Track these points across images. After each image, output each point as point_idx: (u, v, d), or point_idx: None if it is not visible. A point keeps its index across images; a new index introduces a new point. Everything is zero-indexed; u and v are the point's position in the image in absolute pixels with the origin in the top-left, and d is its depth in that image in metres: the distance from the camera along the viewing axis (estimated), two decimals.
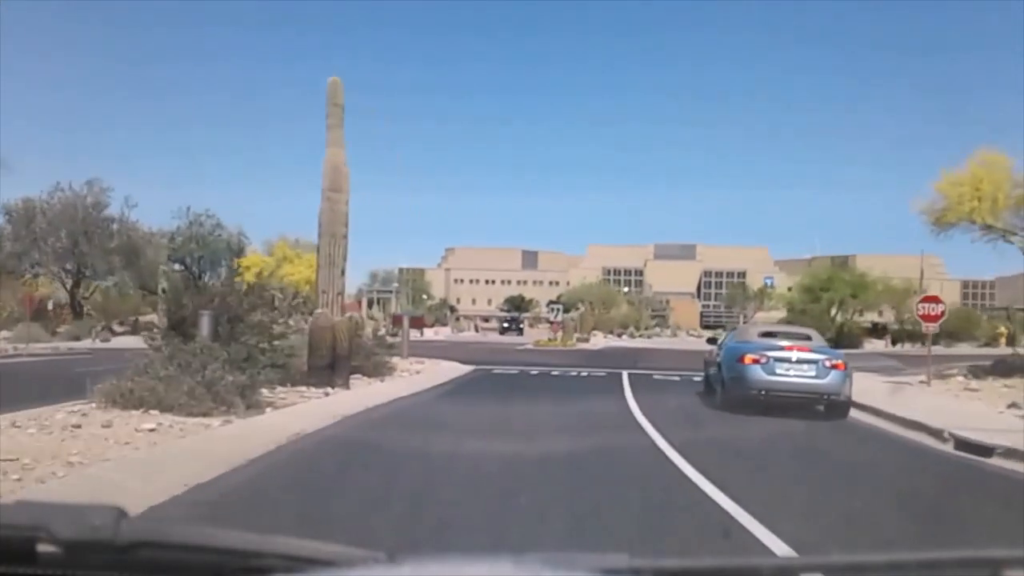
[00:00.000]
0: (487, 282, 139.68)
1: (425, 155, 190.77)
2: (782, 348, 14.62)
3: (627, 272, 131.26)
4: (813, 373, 14.21)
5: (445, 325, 71.79)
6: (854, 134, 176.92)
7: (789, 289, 48.64)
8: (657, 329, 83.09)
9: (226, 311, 12.93)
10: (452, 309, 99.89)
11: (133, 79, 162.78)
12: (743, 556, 4.58)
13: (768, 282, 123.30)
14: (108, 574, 1.14)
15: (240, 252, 56.65)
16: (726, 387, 14.86)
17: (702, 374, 18.43)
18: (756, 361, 14.45)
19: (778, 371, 14.29)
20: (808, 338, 15.79)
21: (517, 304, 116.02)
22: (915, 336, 54.93)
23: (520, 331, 63.76)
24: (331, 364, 14.09)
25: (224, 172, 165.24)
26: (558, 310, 43.39)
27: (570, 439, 9.80)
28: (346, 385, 14.23)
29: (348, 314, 18.17)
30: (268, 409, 10.62)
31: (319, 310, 14.83)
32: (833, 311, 40.93)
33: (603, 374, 21.45)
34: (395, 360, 21.61)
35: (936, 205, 20.67)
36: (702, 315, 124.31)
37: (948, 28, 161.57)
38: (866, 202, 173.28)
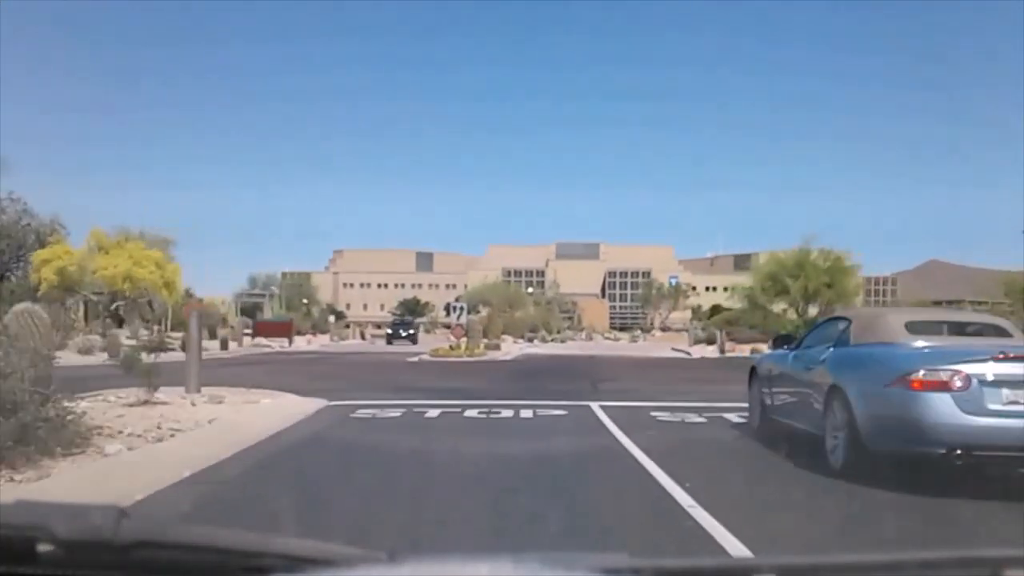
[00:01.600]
0: (379, 286, 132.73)
1: (312, 153, 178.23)
2: (987, 356, 6.75)
3: (528, 273, 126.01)
4: None
5: (326, 332, 60.90)
6: (754, 133, 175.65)
7: (729, 288, 40.44)
8: (569, 332, 74.49)
9: None
10: (338, 315, 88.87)
11: None
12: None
13: (672, 281, 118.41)
14: (108, 574, 1.11)
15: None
16: (867, 438, 7.00)
17: (739, 403, 10.67)
18: (942, 386, 6.63)
19: (990, 405, 6.58)
20: (1005, 332, 8.21)
21: (412, 308, 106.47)
22: None
23: (413, 338, 51.78)
24: None
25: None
26: (461, 310, 33.48)
27: None
28: None
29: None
30: None
31: None
32: (801, 305, 32.80)
33: (560, 413, 11.63)
34: (161, 398, 11.24)
35: None
36: (611, 315, 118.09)
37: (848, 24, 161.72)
38: (765, 201, 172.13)
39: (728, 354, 36.46)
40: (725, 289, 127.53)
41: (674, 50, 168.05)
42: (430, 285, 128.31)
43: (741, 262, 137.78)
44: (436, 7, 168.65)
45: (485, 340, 39.75)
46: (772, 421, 9.44)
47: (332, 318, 76.19)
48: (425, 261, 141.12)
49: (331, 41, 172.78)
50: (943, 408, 6.61)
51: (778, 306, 33.69)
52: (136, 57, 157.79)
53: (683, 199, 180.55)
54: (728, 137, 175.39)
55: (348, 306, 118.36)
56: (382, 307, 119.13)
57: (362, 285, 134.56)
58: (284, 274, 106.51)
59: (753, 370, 10.38)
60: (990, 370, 6.68)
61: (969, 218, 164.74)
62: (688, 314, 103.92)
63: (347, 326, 74.90)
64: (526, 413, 11.54)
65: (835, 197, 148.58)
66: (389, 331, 53.66)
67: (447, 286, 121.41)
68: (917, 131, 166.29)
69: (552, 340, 61.89)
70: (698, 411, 11.83)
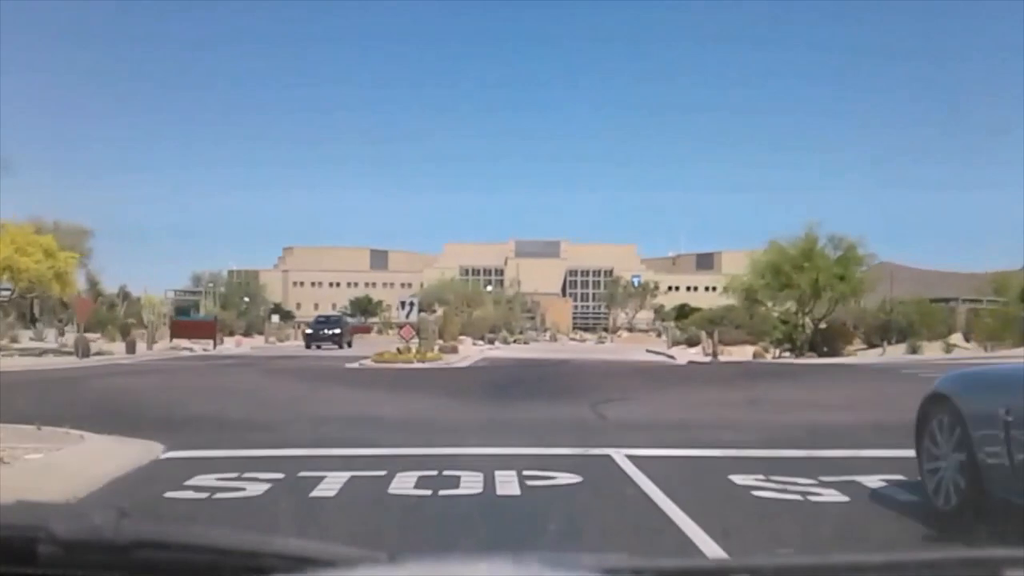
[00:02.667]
0: (331, 284, 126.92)
1: (263, 146, 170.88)
2: None
3: (487, 271, 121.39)
4: None
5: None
6: (714, 133, 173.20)
7: (721, 285, 35.87)
8: (532, 332, 69.60)
9: None
10: (285, 314, 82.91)
11: None
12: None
13: (635, 281, 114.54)
14: (108, 574, 1.11)
15: None
16: None
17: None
18: None
19: None
20: None
21: (364, 307, 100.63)
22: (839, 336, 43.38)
23: (339, 340, 39.91)
24: None
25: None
26: (412, 306, 28.24)
27: None
28: None
29: None
30: None
31: None
32: (806, 302, 28.18)
33: (567, 480, 6.26)
34: None
35: None
36: (573, 315, 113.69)
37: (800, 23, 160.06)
38: (728, 201, 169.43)
39: (720, 358, 31.93)
40: (688, 288, 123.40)
41: (636, 51, 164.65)
42: (384, 284, 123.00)
43: (704, 261, 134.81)
44: (386, 8, 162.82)
45: (440, 342, 34.65)
46: (994, 499, 4.60)
47: (276, 317, 70.06)
48: (379, 259, 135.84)
49: (290, 40, 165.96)
50: None
51: (780, 303, 29.09)
52: (91, 53, 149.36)
53: (644, 197, 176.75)
54: (688, 137, 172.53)
55: (298, 305, 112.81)
56: (334, 306, 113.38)
57: (313, 284, 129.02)
58: (230, 272, 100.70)
59: (938, 401, 5.38)
60: None
61: (919, 222, 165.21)
62: (652, 314, 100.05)
63: (297, 326, 69.04)
64: (506, 481, 6.26)
65: (793, 199, 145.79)
66: (308, 331, 41.86)
67: (402, 284, 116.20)
68: (876, 135, 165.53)
69: (514, 341, 57.03)
70: (806, 470, 6.72)
